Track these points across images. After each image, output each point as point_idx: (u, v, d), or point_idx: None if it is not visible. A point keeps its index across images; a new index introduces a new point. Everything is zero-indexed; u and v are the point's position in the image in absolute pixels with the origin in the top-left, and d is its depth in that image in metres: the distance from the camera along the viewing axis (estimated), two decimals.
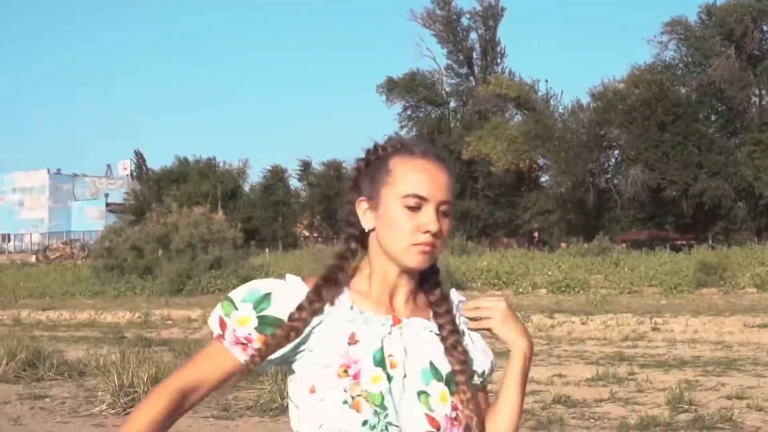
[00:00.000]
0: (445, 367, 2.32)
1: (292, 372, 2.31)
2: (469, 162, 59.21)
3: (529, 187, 61.10)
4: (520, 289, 30.31)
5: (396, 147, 2.37)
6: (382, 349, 2.27)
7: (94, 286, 41.80)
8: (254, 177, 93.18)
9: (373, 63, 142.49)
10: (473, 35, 65.73)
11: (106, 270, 43.07)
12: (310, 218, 71.34)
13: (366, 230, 2.35)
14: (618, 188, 54.91)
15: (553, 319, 21.83)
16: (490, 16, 64.92)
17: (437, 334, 2.35)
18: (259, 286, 2.30)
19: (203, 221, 42.10)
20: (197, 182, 69.79)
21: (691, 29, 56.30)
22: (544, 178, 62.55)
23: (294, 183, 73.18)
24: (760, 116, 52.39)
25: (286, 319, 2.26)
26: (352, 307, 2.31)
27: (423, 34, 72.27)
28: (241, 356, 2.28)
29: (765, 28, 55.41)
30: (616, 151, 57.96)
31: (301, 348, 2.28)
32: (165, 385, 2.31)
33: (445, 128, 63.05)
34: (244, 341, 2.28)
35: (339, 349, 2.26)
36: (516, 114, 62.71)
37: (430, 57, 71.12)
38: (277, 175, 71.59)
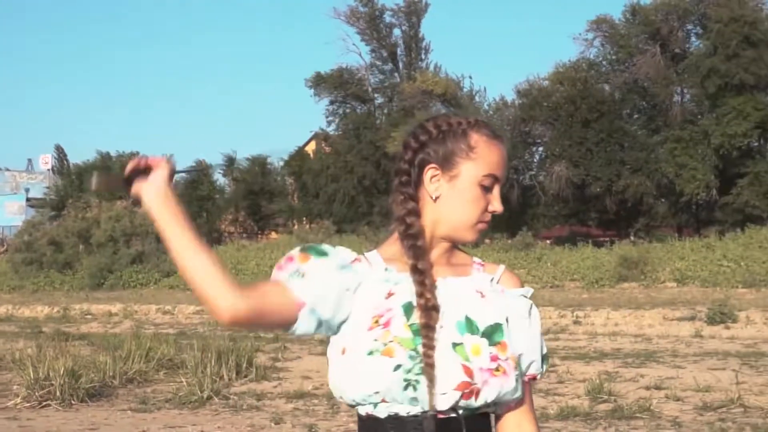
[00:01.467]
0: (482, 320, 2.32)
1: (333, 334, 2.34)
2: (395, 157, 59.07)
3: None
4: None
5: (470, 122, 2.43)
6: (411, 302, 2.29)
7: (12, 280, 41.18)
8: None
9: (299, 58, 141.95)
10: (397, 31, 65.74)
11: (24, 265, 42.34)
12: (234, 214, 70.85)
13: (433, 198, 2.39)
14: (542, 184, 55.28)
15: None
16: (414, 13, 64.85)
17: (477, 291, 2.38)
18: (319, 246, 2.37)
19: (126, 215, 41.63)
20: None
21: (616, 27, 56.83)
22: None
23: (219, 178, 72.73)
24: (682, 114, 53.01)
25: (331, 255, 2.35)
26: (386, 269, 2.36)
27: (349, 31, 72.21)
28: (281, 274, 2.33)
29: (689, 27, 56.12)
30: (541, 148, 58.32)
31: (345, 316, 2.32)
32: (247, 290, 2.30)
33: (371, 124, 62.97)
34: (283, 262, 2.36)
35: (373, 304, 2.30)
36: (442, 110, 62.78)
37: (357, 53, 71.04)
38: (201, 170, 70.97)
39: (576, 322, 21.04)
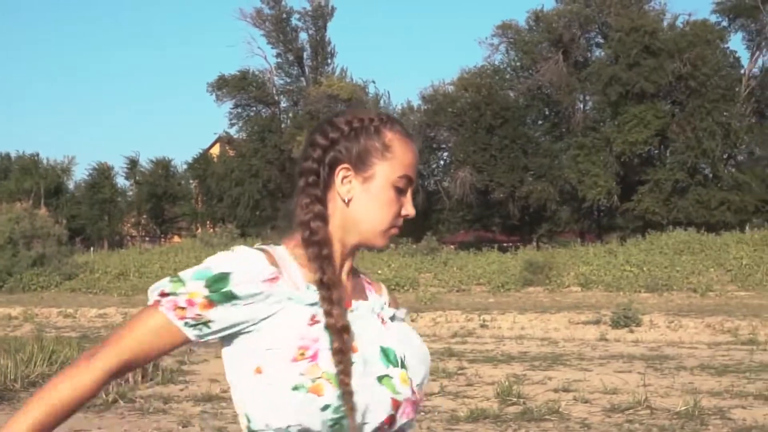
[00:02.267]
0: (396, 350, 2.17)
1: (229, 346, 2.10)
2: (300, 157, 58.91)
3: None
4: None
5: (383, 119, 2.24)
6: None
7: None
8: (80, 174, 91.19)
9: (204, 59, 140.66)
10: (303, 35, 65.65)
11: None
12: (137, 217, 70.11)
13: (345, 200, 2.18)
14: (446, 190, 55.60)
15: None
16: (320, 16, 64.86)
17: (378, 316, 2.22)
18: (214, 264, 2.05)
19: (26, 216, 40.81)
20: (19, 178, 67.74)
21: (520, 33, 57.41)
22: None
23: (121, 181, 71.89)
24: (585, 121, 53.77)
25: (243, 297, 2.02)
26: (308, 287, 2.11)
27: (254, 33, 71.85)
28: (179, 322, 2.02)
29: (591, 35, 56.94)
30: (446, 153, 58.74)
31: (248, 328, 2.06)
32: (99, 358, 2.03)
33: (276, 127, 62.74)
34: (185, 305, 2.01)
35: (298, 333, 2.04)
36: None
37: (262, 56, 70.89)
38: (103, 173, 70.06)
39: (483, 326, 21.17)
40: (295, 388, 1.99)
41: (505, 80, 57.87)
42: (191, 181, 68.65)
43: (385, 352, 2.15)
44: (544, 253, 34.55)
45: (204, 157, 65.91)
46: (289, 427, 2.01)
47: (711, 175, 50.96)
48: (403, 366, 2.16)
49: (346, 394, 2.00)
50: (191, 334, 2.04)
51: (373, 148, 2.19)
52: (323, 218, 2.18)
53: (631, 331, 20.47)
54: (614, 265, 30.67)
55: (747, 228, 40.56)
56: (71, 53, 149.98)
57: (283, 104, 65.64)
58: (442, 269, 32.87)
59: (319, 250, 2.14)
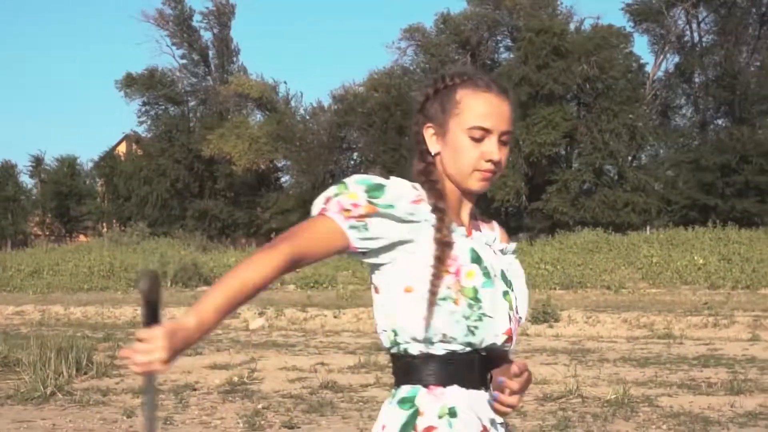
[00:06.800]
0: (508, 275, 2.60)
1: (381, 267, 2.46)
2: (209, 161, 58.92)
3: (269, 187, 61.21)
4: (269, 285, 30.27)
5: (462, 78, 2.57)
6: (474, 248, 2.50)
7: None
8: None
9: (112, 57, 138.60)
10: (208, 34, 65.32)
11: None
12: (41, 216, 69.03)
13: (432, 154, 2.58)
14: None
15: (306, 313, 21.97)
16: (224, 15, 64.59)
17: (492, 247, 2.63)
18: (372, 177, 2.43)
19: None
20: None
21: (428, 36, 57.81)
22: (284, 179, 62.90)
23: (25, 179, 70.74)
24: None
25: (397, 207, 2.39)
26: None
27: (159, 33, 71.27)
28: (344, 223, 2.35)
29: (499, 38, 57.62)
30: (356, 153, 58.92)
31: (402, 246, 2.43)
32: (279, 248, 2.32)
33: (184, 126, 62.33)
34: (350, 207, 2.36)
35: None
36: (258, 114, 62.78)
37: (170, 54, 70.35)
38: (7, 171, 68.86)
39: None
40: (443, 299, 2.38)
41: (414, 81, 58.21)
42: (97, 180, 67.81)
43: (503, 274, 2.56)
44: None
45: (111, 156, 65.16)
46: (433, 336, 2.40)
47: (617, 177, 51.96)
48: (511, 289, 2.58)
49: (431, 294, 2.39)
50: (354, 237, 2.36)
51: (447, 106, 2.54)
52: (433, 164, 2.59)
53: (551, 326, 20.80)
54: (529, 264, 31.08)
55: (648, 229, 41.53)
56: None
57: (191, 103, 65.20)
58: (359, 267, 32.95)
59: (433, 185, 2.53)
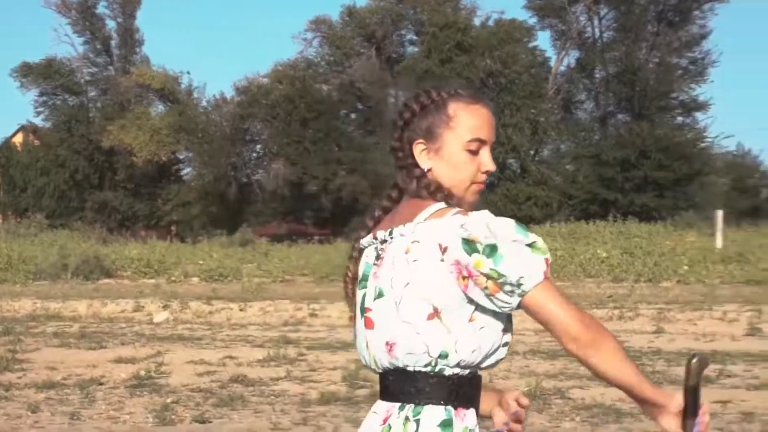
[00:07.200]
0: None
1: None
2: (109, 152, 58.10)
3: (170, 179, 60.55)
4: (173, 278, 29.91)
5: (449, 92, 2.60)
6: None
7: None
8: None
9: (6, 45, 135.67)
10: (111, 23, 64.26)
11: None
12: None
13: (424, 170, 2.57)
14: (260, 182, 55.47)
15: (212, 306, 21.66)
16: (129, 4, 63.61)
17: None
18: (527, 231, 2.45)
19: None
20: None
21: (333, 28, 57.73)
22: (186, 170, 62.27)
23: None
24: None
25: None
26: None
27: (61, 21, 69.85)
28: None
29: (403, 31, 57.75)
30: (259, 146, 58.57)
31: None
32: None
33: (84, 117, 61.25)
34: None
35: None
36: (159, 105, 62.01)
37: (69, 44, 68.92)
38: None
39: (312, 315, 21.11)
40: (504, 330, 2.50)
41: (318, 74, 58.10)
42: None
43: None
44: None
45: (6, 146, 63.71)
46: (494, 362, 2.52)
47: (519, 171, 52.45)
48: None
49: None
50: None
51: (439, 121, 2.55)
52: (424, 174, 2.59)
53: None
54: None
55: (548, 223, 41.99)
56: None
57: (91, 93, 64.04)
58: (264, 260, 32.75)
59: (443, 192, 2.55)
